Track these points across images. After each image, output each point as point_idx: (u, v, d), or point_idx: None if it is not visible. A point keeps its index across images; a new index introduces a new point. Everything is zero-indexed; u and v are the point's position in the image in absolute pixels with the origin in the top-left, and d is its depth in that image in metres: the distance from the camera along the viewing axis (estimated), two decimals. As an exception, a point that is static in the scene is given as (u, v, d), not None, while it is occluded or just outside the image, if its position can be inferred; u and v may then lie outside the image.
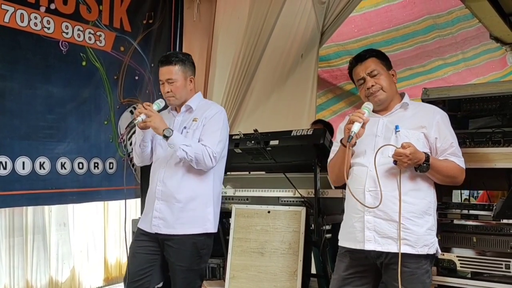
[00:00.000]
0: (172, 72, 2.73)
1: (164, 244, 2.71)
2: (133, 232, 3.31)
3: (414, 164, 2.12)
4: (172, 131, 2.61)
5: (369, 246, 2.19)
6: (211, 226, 2.73)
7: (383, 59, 2.34)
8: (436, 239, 2.24)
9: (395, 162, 2.11)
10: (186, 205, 2.68)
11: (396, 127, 2.24)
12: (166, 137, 2.60)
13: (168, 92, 2.74)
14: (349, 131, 2.11)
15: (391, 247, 2.16)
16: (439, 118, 2.26)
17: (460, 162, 2.26)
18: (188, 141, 2.66)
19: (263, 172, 3.58)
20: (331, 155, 2.44)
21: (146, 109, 2.63)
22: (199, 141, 2.70)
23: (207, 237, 2.74)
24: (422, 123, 2.23)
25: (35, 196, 3.82)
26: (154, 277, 2.77)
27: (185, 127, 2.76)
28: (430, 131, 2.22)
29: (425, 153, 2.15)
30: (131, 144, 4.33)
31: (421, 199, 2.19)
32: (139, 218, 3.01)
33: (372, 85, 2.26)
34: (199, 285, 2.79)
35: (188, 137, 2.71)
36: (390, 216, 2.15)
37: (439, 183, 2.28)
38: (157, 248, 2.75)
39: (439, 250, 2.26)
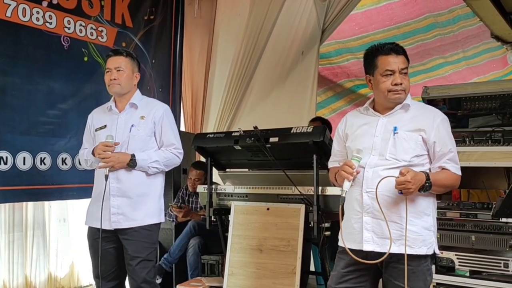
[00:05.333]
0: (122, 62, 2.84)
1: (121, 238, 2.83)
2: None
3: (418, 187, 2.09)
4: (135, 161, 2.75)
5: (367, 247, 2.18)
6: (163, 216, 2.97)
7: (408, 61, 2.28)
8: (435, 239, 2.24)
9: (400, 192, 2.08)
10: (143, 198, 2.83)
11: (395, 128, 2.21)
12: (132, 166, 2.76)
13: (114, 79, 2.81)
14: (342, 182, 2.16)
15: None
16: (439, 122, 2.21)
17: (457, 169, 2.22)
18: (153, 157, 2.82)
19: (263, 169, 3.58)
20: (330, 164, 2.45)
21: (106, 160, 2.72)
22: (159, 143, 2.88)
23: (158, 228, 2.95)
24: (421, 126, 2.20)
25: (36, 192, 3.82)
26: (123, 270, 2.92)
27: (133, 125, 2.84)
28: (429, 135, 2.19)
29: (424, 172, 2.13)
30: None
31: (419, 199, 2.18)
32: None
33: (401, 83, 2.20)
34: (152, 269, 2.93)
35: (138, 134, 2.82)
36: (388, 217, 2.15)
37: (437, 193, 2.27)
38: (117, 244, 2.85)
39: (437, 250, 2.25)
